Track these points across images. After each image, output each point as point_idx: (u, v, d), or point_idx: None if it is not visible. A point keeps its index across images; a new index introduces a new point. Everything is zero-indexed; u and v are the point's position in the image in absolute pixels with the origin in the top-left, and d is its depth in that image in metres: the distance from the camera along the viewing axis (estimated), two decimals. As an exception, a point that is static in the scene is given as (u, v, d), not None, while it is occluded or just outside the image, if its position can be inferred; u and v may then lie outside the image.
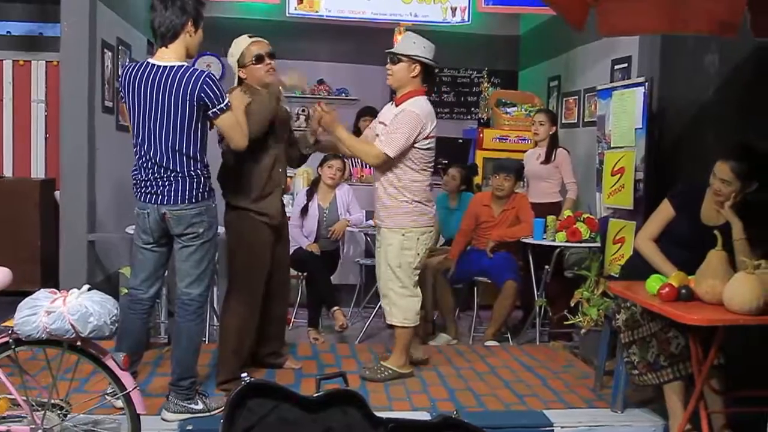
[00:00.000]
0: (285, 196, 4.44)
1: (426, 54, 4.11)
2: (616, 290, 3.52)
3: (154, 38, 3.44)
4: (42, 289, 2.80)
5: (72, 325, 2.66)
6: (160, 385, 3.77)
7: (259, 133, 3.69)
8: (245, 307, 3.94)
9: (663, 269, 3.46)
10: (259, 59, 3.91)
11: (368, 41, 7.13)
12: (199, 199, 3.36)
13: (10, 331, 2.74)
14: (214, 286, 4.78)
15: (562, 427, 3.60)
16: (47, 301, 2.70)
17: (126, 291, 3.90)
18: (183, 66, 3.29)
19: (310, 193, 5.58)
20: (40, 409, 2.80)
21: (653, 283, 3.21)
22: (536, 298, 5.19)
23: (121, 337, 3.47)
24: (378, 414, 2.73)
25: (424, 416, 3.54)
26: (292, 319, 5.51)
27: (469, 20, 6.43)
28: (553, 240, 5.13)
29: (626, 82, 5.03)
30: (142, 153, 3.36)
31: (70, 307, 2.67)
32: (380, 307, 4.45)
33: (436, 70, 4.30)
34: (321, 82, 7.97)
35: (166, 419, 3.42)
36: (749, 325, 2.92)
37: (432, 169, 4.23)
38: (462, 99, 8.27)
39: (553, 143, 5.69)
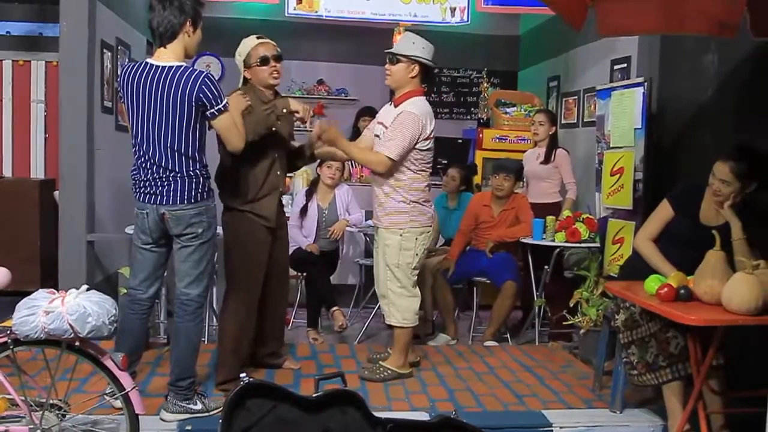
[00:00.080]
0: (284, 196, 4.45)
1: (425, 54, 4.11)
2: (614, 290, 3.52)
3: (152, 38, 3.44)
4: (40, 289, 2.81)
5: (70, 325, 2.66)
6: (160, 385, 3.77)
7: (255, 138, 3.68)
8: (243, 307, 3.94)
9: (662, 269, 3.46)
10: (264, 61, 3.90)
11: (367, 41, 7.13)
12: (198, 199, 3.36)
13: (8, 332, 2.74)
14: (214, 286, 4.78)
15: (560, 428, 3.59)
16: (46, 301, 2.70)
17: (125, 291, 3.91)
18: (181, 66, 3.29)
19: (310, 194, 5.58)
20: (38, 409, 2.81)
21: (652, 283, 3.21)
22: (535, 299, 5.18)
23: (120, 337, 3.47)
24: (377, 414, 2.73)
25: (423, 416, 3.54)
26: (292, 320, 5.52)
27: (468, 20, 6.43)
28: (553, 240, 5.13)
29: (625, 82, 5.03)
30: (141, 153, 3.36)
31: (68, 308, 2.67)
32: (379, 307, 4.46)
33: (435, 71, 4.30)
34: (320, 82, 7.97)
35: (164, 419, 3.42)
36: (748, 325, 2.92)
37: (430, 170, 4.23)
38: (461, 99, 8.27)
39: (553, 143, 5.69)
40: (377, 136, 4.21)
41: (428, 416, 3.52)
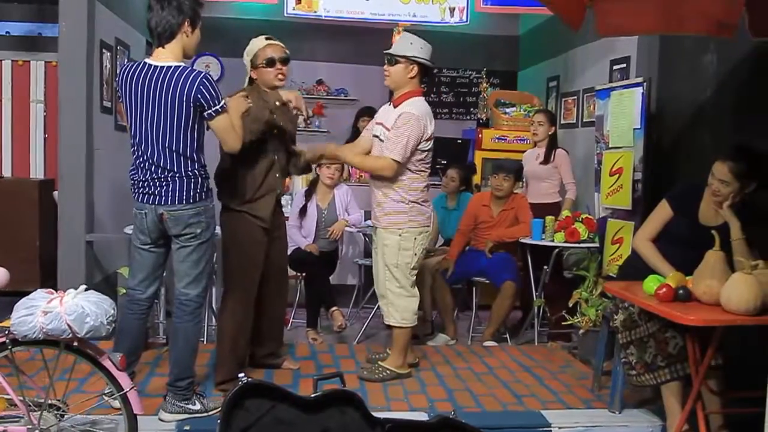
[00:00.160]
0: (284, 196, 4.45)
1: (423, 54, 4.11)
2: (613, 291, 3.52)
3: (151, 38, 3.43)
4: (39, 290, 2.81)
5: (69, 325, 2.66)
6: (158, 385, 3.77)
7: (250, 140, 3.67)
8: (240, 307, 3.94)
9: (661, 269, 3.46)
10: (270, 63, 3.90)
11: (367, 41, 7.13)
12: (197, 199, 3.36)
13: (6, 332, 2.74)
14: (213, 286, 4.78)
15: (559, 428, 3.59)
16: (44, 301, 2.70)
17: (124, 291, 3.90)
18: (180, 66, 3.29)
19: (309, 194, 5.58)
20: (37, 409, 2.80)
21: (651, 283, 3.21)
22: (535, 299, 5.18)
23: (119, 337, 3.47)
24: (376, 414, 2.73)
25: (421, 417, 3.54)
26: (291, 320, 5.52)
27: (467, 20, 6.42)
28: (552, 240, 5.13)
29: (625, 82, 5.03)
30: (140, 153, 3.36)
31: (66, 308, 2.67)
32: (379, 307, 4.45)
33: (435, 71, 4.31)
34: (320, 82, 7.97)
35: (163, 419, 3.42)
36: (747, 325, 2.92)
37: (429, 170, 4.23)
38: (461, 99, 8.26)
39: (552, 143, 5.69)
40: (376, 136, 4.21)
41: (427, 416, 3.52)
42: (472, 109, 8.05)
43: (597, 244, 5.00)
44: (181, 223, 3.34)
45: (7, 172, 6.45)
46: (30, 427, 2.78)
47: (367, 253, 6.05)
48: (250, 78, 3.98)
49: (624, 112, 4.73)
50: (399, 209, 4.10)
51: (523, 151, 6.04)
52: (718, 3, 3.44)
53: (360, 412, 2.71)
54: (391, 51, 4.15)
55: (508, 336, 5.35)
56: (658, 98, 4.80)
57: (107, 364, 2.82)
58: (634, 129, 4.62)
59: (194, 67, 3.37)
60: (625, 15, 3.60)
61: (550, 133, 5.68)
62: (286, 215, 4.52)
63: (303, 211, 5.54)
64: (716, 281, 3.01)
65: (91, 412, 3.08)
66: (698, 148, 4.41)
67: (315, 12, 6.32)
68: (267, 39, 3.97)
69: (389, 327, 4.31)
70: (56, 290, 2.82)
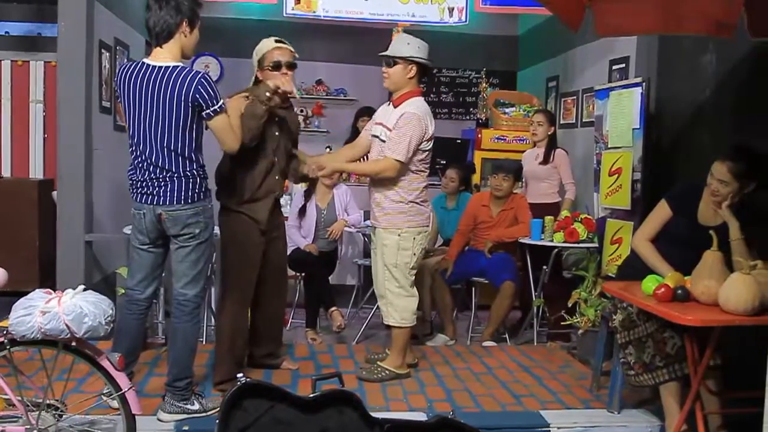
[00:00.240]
0: (283, 196, 4.44)
1: (421, 54, 4.11)
2: (611, 291, 3.52)
3: (149, 38, 3.43)
4: (37, 290, 2.81)
5: (67, 325, 2.67)
6: (157, 385, 3.77)
7: (251, 138, 3.67)
8: (237, 306, 3.94)
9: (660, 270, 3.46)
10: (276, 66, 3.89)
11: (366, 41, 7.11)
12: (195, 199, 3.36)
13: (5, 332, 2.74)
14: (212, 286, 4.79)
15: (558, 428, 3.59)
16: (42, 301, 2.70)
17: (123, 291, 3.90)
18: (178, 66, 3.29)
19: (308, 194, 5.58)
20: (35, 409, 2.80)
21: (649, 283, 3.21)
22: (534, 299, 5.18)
23: (117, 337, 3.48)
24: (374, 414, 2.73)
25: (420, 417, 3.54)
26: (290, 320, 5.52)
27: (466, 20, 6.42)
28: (551, 240, 5.13)
29: (624, 82, 5.03)
30: (138, 153, 3.36)
31: (65, 308, 2.67)
32: (378, 307, 4.45)
33: (434, 71, 4.30)
34: (319, 82, 7.97)
35: (161, 419, 3.42)
36: (745, 325, 2.92)
37: (428, 170, 4.23)
38: (460, 99, 8.26)
39: (552, 144, 5.69)
40: (376, 136, 4.21)
41: (426, 417, 3.52)
42: (471, 109, 8.05)
43: (596, 244, 5.00)
44: (179, 224, 3.34)
45: (6, 172, 6.44)
46: (28, 427, 2.78)
47: (367, 254, 6.05)
48: (256, 77, 3.97)
49: (623, 112, 4.73)
50: (398, 209, 4.10)
51: (523, 151, 6.05)
52: (717, 3, 3.44)
53: (358, 413, 2.71)
54: (388, 53, 4.14)
55: (507, 336, 5.35)
56: (657, 98, 4.80)
57: (105, 364, 2.83)
58: (634, 129, 4.62)
59: (193, 68, 3.37)
60: (624, 15, 3.60)
61: (549, 133, 5.68)
62: (285, 215, 4.52)
63: (302, 211, 5.54)
64: (714, 281, 3.01)
65: (89, 412, 3.09)
66: (697, 148, 4.41)
67: (314, 12, 6.32)
68: (276, 41, 3.95)
69: (388, 327, 4.31)
70: (55, 290, 2.82)
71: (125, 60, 5.77)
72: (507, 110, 6.88)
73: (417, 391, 4.06)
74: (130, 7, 5.94)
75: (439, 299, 5.31)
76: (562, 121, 6.69)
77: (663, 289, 3.10)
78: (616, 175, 4.76)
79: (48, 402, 2.83)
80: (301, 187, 6.01)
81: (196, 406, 3.46)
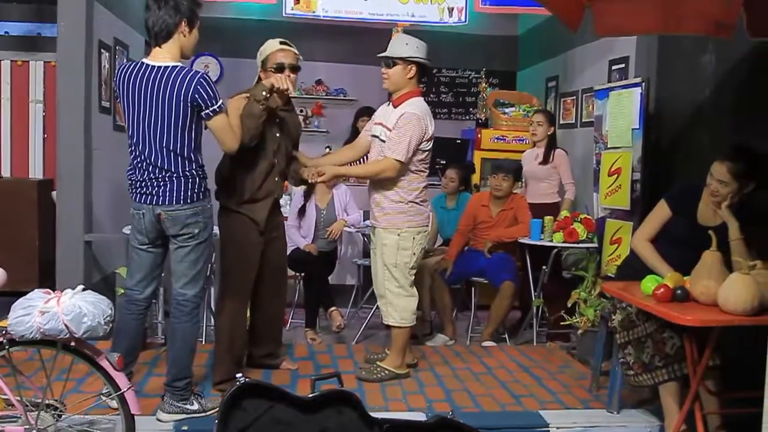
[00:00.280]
0: (283, 196, 4.44)
1: (420, 54, 4.11)
2: (611, 291, 3.52)
3: (148, 38, 3.43)
4: (36, 290, 2.80)
5: (66, 325, 2.66)
6: (157, 385, 3.77)
7: (250, 138, 3.67)
8: (236, 306, 3.95)
9: (659, 270, 3.46)
10: (279, 69, 3.88)
11: (366, 41, 7.10)
12: (194, 199, 3.36)
13: (4, 332, 2.74)
14: (211, 286, 4.79)
15: (557, 428, 3.60)
16: (41, 301, 2.70)
17: (123, 291, 3.90)
18: (177, 66, 3.29)
19: (308, 194, 5.58)
20: (34, 409, 2.80)
21: (648, 283, 3.21)
22: (533, 299, 5.18)
23: (117, 337, 3.48)
24: (374, 414, 2.73)
25: (419, 417, 3.54)
26: (289, 320, 5.52)
27: (466, 20, 6.41)
28: (551, 240, 5.13)
29: (623, 82, 5.03)
30: (137, 153, 3.36)
31: (63, 308, 2.67)
32: (377, 307, 4.45)
33: (434, 70, 4.30)
34: (319, 82, 7.97)
35: (161, 420, 3.42)
36: (744, 325, 2.92)
37: (428, 170, 4.23)
38: (460, 99, 8.26)
39: (551, 144, 5.69)
40: (376, 136, 4.21)
41: (425, 417, 3.52)
42: (471, 109, 8.05)
43: (596, 245, 5.00)
44: (178, 223, 3.34)
45: (6, 172, 6.44)
46: (27, 427, 2.77)
47: (366, 254, 6.05)
48: (259, 78, 3.97)
49: (623, 112, 4.73)
50: (398, 209, 4.10)
51: (522, 151, 6.05)
52: (717, 3, 3.44)
53: (358, 413, 2.71)
54: (387, 54, 4.14)
55: (506, 336, 5.35)
56: (656, 98, 4.80)
57: (105, 364, 2.82)
58: (633, 129, 4.62)
59: (192, 67, 3.37)
60: (624, 15, 3.60)
61: (549, 133, 5.68)
62: (285, 215, 4.52)
63: (302, 211, 5.54)
64: (714, 281, 3.01)
65: (88, 412, 3.09)
66: (697, 148, 4.41)
67: (313, 12, 6.31)
68: (281, 43, 3.95)
69: (388, 327, 4.31)
70: (54, 290, 2.82)
71: (125, 60, 5.77)
72: (507, 110, 6.87)
73: (416, 391, 4.06)
74: (130, 7, 5.94)
75: (438, 299, 5.31)
76: (561, 121, 6.69)
77: (662, 290, 3.10)
78: (616, 175, 4.77)
79: (47, 402, 2.83)
80: (300, 188, 6.02)
81: (196, 406, 3.46)
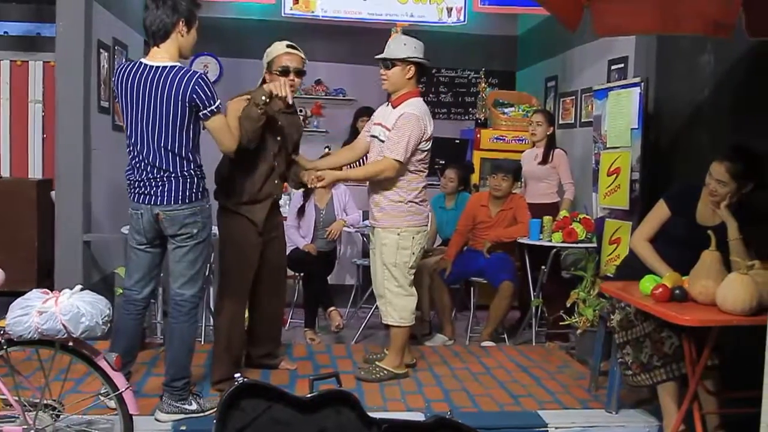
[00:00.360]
0: (282, 196, 4.43)
1: (418, 54, 4.11)
2: (609, 291, 3.52)
3: (147, 38, 3.43)
4: (34, 290, 2.80)
5: (64, 325, 2.66)
6: (155, 385, 3.76)
7: (248, 140, 3.66)
8: (235, 306, 3.95)
9: (658, 270, 3.46)
10: (284, 72, 3.88)
11: (365, 41, 7.08)
12: (193, 199, 3.35)
13: (2, 332, 2.74)
14: (210, 286, 4.78)
15: (556, 428, 3.59)
16: (39, 301, 2.70)
17: (121, 291, 3.90)
18: (175, 66, 3.28)
19: (307, 194, 5.57)
20: (32, 409, 2.80)
21: (647, 283, 3.21)
22: (532, 299, 5.18)
23: (115, 337, 3.48)
24: (372, 414, 2.73)
25: (418, 417, 3.54)
26: (289, 320, 5.52)
27: (465, 20, 6.41)
28: (550, 240, 5.13)
29: (622, 82, 5.03)
30: (135, 153, 3.36)
31: (62, 308, 2.67)
32: (377, 307, 4.45)
33: (433, 71, 4.30)
34: (318, 82, 7.97)
35: (159, 420, 3.41)
36: (743, 325, 2.92)
37: (427, 170, 4.24)
38: (459, 99, 8.26)
39: (551, 144, 5.69)
40: (375, 137, 4.22)
41: (424, 417, 3.52)
42: (470, 109, 8.05)
43: (595, 244, 5.00)
44: (177, 223, 3.34)
45: (5, 172, 6.44)
46: (26, 427, 2.77)
47: (365, 253, 6.04)
48: (263, 80, 3.96)
49: (622, 112, 4.73)
50: (397, 209, 4.10)
51: (522, 151, 6.05)
52: (715, 3, 3.44)
53: (356, 413, 2.71)
54: (385, 55, 4.13)
55: (505, 336, 5.35)
56: (655, 98, 4.80)
57: (103, 364, 2.82)
58: (632, 129, 4.62)
59: (191, 68, 3.37)
60: (623, 15, 3.60)
61: (548, 133, 5.68)
62: (284, 215, 4.51)
63: (301, 211, 5.54)
64: (712, 281, 3.01)
65: (86, 412, 3.09)
66: (696, 148, 4.41)
67: (312, 12, 6.31)
68: (288, 46, 3.94)
69: (387, 327, 4.31)
70: (53, 290, 2.82)
71: (123, 60, 5.77)
72: (506, 110, 6.87)
73: (415, 391, 4.06)
74: (129, 7, 5.94)
75: (437, 299, 5.31)
76: (560, 121, 6.69)
77: (661, 289, 3.10)
78: (615, 175, 4.77)
79: (45, 402, 2.83)
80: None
81: (194, 406, 3.45)
